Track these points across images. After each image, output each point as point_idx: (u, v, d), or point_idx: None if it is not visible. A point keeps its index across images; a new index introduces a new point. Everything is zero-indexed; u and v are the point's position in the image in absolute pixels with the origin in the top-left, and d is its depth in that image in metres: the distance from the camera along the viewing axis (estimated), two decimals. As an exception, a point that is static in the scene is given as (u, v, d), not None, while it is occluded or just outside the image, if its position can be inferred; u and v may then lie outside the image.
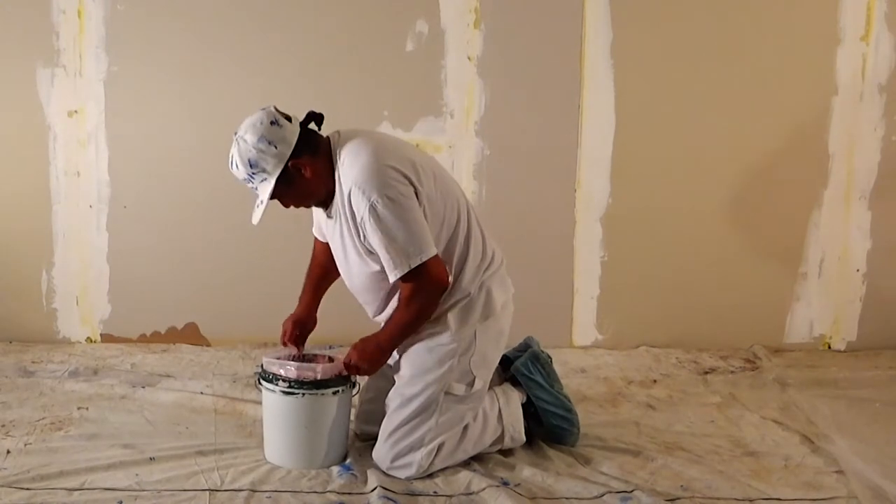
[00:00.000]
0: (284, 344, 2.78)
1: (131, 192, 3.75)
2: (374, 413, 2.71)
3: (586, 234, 3.84)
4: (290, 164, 2.46)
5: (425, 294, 2.47)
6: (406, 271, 2.41)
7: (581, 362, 3.70)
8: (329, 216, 2.57)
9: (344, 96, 3.70)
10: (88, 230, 3.76)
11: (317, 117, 2.58)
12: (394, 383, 2.66)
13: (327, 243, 2.72)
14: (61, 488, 2.46)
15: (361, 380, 2.73)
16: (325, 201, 2.55)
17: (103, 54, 3.64)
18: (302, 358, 2.72)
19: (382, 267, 2.48)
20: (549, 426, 2.80)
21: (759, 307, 3.92)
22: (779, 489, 2.57)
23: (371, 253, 2.49)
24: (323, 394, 2.58)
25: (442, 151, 3.74)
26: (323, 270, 2.82)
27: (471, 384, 2.61)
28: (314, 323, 2.83)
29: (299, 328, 2.79)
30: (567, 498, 2.49)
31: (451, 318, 2.57)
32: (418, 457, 2.55)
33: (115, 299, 3.81)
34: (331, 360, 2.70)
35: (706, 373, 3.61)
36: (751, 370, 3.65)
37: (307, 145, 2.49)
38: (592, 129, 3.77)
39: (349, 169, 2.44)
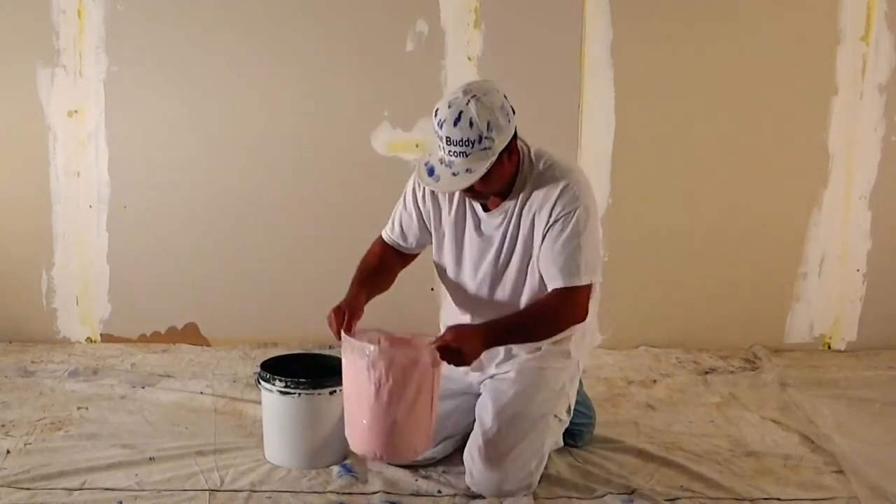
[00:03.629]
0: (337, 334, 2.43)
1: (131, 192, 3.75)
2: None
3: (586, 234, 3.83)
4: (512, 142, 2.35)
5: (566, 315, 2.41)
6: (575, 284, 2.36)
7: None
8: (489, 215, 2.48)
9: (344, 96, 3.70)
10: (88, 230, 3.76)
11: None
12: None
13: (390, 250, 2.66)
14: (61, 488, 2.46)
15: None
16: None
17: (103, 54, 3.64)
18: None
19: (535, 284, 2.44)
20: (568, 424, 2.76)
21: (759, 307, 3.91)
22: (779, 489, 2.57)
23: (534, 264, 2.44)
24: (320, 393, 2.58)
25: (442, 151, 3.74)
26: (384, 270, 2.65)
27: (569, 410, 2.62)
28: (362, 313, 2.52)
29: (349, 314, 2.45)
30: (567, 498, 2.50)
31: (572, 344, 2.58)
32: (537, 477, 2.51)
33: (115, 299, 3.81)
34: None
35: (706, 373, 3.61)
36: (751, 370, 3.65)
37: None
38: (592, 129, 3.76)
39: (561, 172, 2.40)
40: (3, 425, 2.89)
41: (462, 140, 2.26)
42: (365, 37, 3.69)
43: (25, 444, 2.74)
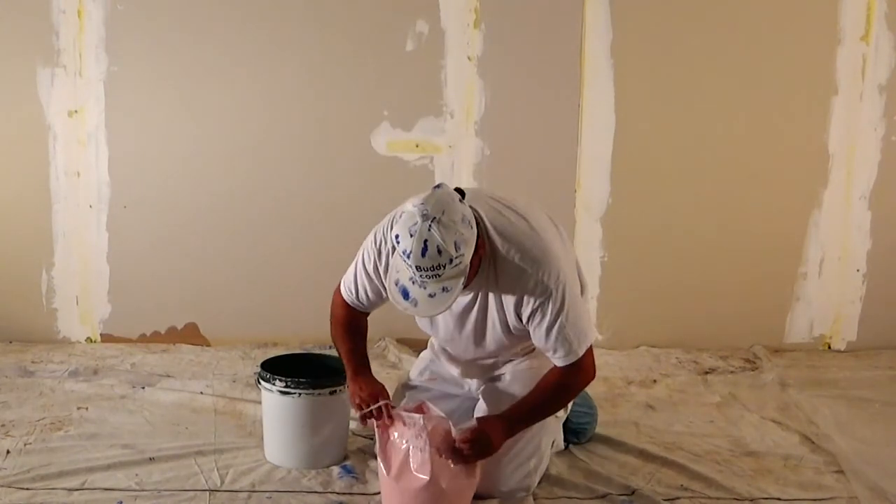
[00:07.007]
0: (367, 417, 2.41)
1: (131, 192, 3.74)
2: None
3: (586, 234, 3.83)
4: (478, 240, 2.23)
5: (578, 384, 2.43)
6: (576, 359, 2.36)
7: (581, 362, 3.70)
8: (466, 291, 2.35)
9: (344, 96, 3.70)
10: (88, 230, 3.76)
11: (462, 193, 2.29)
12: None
13: (354, 311, 2.55)
14: (61, 488, 2.46)
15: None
16: None
17: (103, 54, 3.64)
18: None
19: (520, 339, 2.44)
20: (569, 423, 2.77)
21: (759, 307, 3.91)
22: (778, 489, 2.58)
23: (515, 331, 2.41)
24: (320, 394, 2.58)
25: (442, 151, 3.74)
26: (360, 331, 2.59)
27: (566, 408, 2.62)
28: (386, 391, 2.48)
29: (378, 398, 2.42)
30: (567, 498, 2.50)
31: None
32: (536, 478, 2.53)
33: (115, 299, 3.81)
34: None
35: (706, 373, 3.61)
36: (751, 370, 3.65)
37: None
38: (592, 129, 3.76)
39: (523, 256, 2.29)
40: (3, 425, 2.89)
41: (433, 266, 2.13)
42: (365, 37, 3.69)
43: (25, 444, 2.74)
